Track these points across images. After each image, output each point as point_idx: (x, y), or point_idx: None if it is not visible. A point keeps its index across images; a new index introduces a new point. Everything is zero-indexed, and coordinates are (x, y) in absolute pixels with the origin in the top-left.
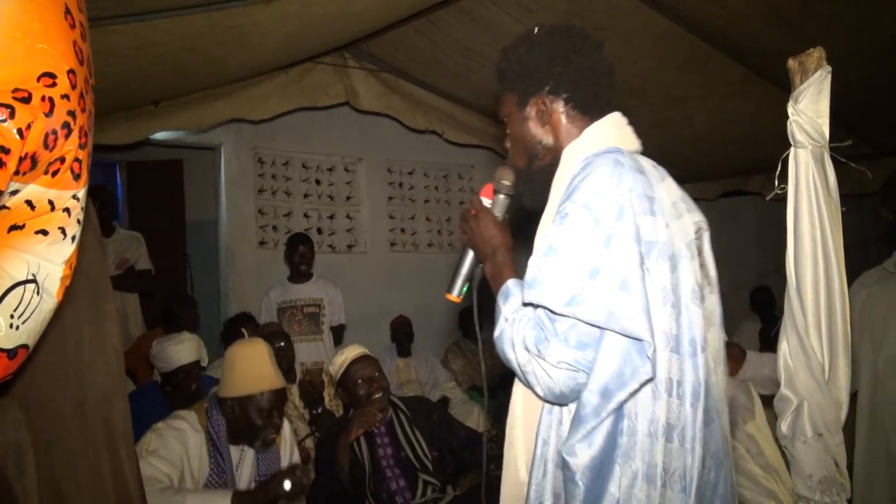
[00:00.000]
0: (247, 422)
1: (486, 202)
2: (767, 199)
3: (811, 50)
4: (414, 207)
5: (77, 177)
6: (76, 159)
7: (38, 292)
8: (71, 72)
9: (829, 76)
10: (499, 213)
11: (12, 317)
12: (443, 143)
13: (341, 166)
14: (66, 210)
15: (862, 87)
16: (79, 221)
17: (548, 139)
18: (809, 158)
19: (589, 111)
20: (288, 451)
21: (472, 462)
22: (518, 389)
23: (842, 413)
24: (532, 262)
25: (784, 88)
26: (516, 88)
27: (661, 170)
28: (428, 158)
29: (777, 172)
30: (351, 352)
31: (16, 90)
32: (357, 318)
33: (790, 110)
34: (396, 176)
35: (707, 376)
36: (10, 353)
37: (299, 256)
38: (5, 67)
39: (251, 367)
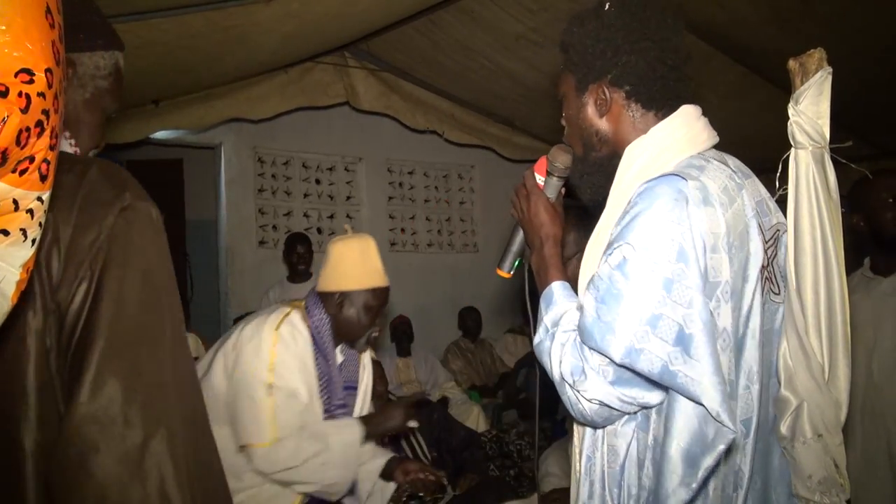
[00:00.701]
0: (354, 318)
1: (539, 179)
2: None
3: (812, 51)
4: (414, 207)
5: (44, 178)
6: (45, 160)
7: None
8: (48, 71)
9: (830, 77)
10: (551, 194)
11: None
12: (443, 143)
13: (341, 166)
14: (30, 211)
15: (862, 88)
16: (40, 224)
17: (606, 130)
18: (810, 159)
19: (654, 106)
20: (367, 362)
21: (472, 462)
22: None
23: (841, 414)
24: (587, 303)
25: (784, 89)
26: (576, 70)
27: (745, 169)
28: (428, 158)
29: (777, 174)
30: None
31: None
32: None
33: (791, 111)
34: (396, 176)
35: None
36: None
37: (297, 256)
38: None
39: (363, 262)
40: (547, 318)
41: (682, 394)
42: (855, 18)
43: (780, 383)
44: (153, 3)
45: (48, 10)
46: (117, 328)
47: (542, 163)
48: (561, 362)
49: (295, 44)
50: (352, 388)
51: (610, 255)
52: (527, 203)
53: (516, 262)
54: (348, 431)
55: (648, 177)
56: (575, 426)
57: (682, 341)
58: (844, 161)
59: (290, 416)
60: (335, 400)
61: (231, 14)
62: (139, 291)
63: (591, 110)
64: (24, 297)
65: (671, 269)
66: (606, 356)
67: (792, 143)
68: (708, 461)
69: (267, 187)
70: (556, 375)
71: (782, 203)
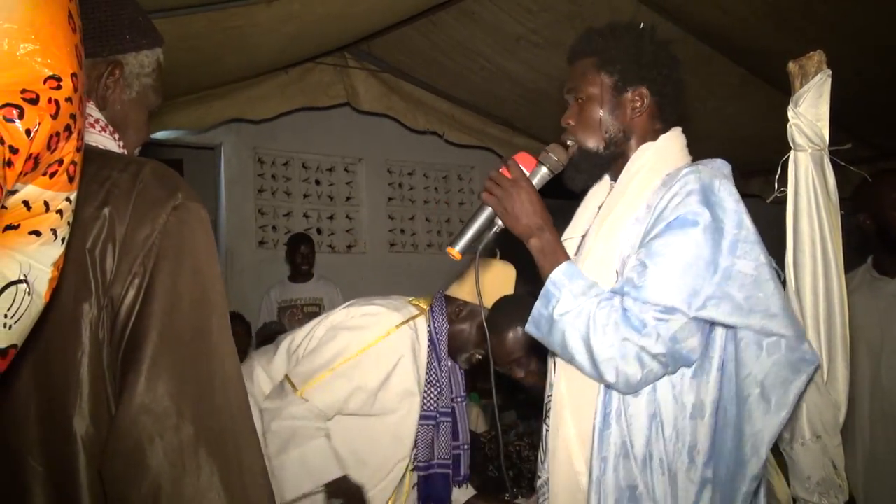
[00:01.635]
0: (466, 333)
1: (524, 172)
2: (768, 201)
3: (811, 53)
4: (414, 208)
5: (72, 179)
6: (73, 162)
7: (28, 293)
8: (74, 75)
9: (830, 79)
10: (537, 185)
11: (6, 316)
12: (443, 144)
13: (341, 166)
14: (59, 212)
15: (861, 90)
16: (69, 223)
17: (630, 130)
18: (809, 161)
19: (666, 120)
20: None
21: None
22: (562, 377)
23: (840, 415)
24: (658, 266)
25: (783, 91)
26: (619, 72)
27: None
28: (428, 159)
29: (777, 175)
30: None
31: (24, 91)
32: None
33: (790, 113)
34: (396, 176)
35: None
36: (3, 353)
37: (301, 256)
38: (15, 68)
39: (501, 287)
40: (572, 287)
41: (762, 332)
42: (854, 20)
43: None
44: (154, 3)
45: (70, 16)
46: (169, 323)
47: (526, 157)
48: (617, 325)
49: (295, 44)
50: (461, 398)
51: (677, 224)
52: (516, 189)
53: (469, 247)
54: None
55: (656, 174)
56: (570, 412)
57: (758, 286)
58: (844, 163)
59: (330, 393)
60: (441, 406)
61: (232, 15)
62: (190, 288)
63: (626, 110)
64: (81, 291)
65: (735, 233)
66: (678, 311)
67: (791, 144)
68: (798, 384)
69: (267, 188)
70: (599, 341)
71: (781, 205)
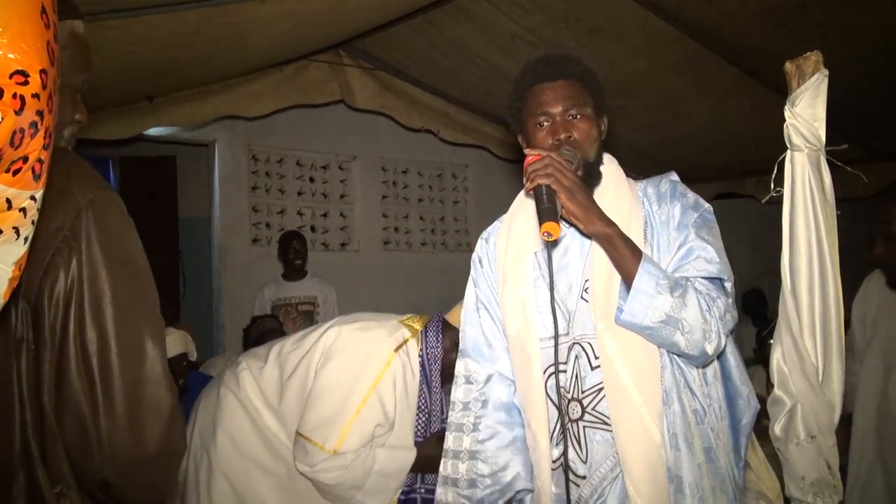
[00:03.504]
0: None
1: None
2: (763, 201)
3: (809, 53)
4: (408, 206)
5: (37, 177)
6: (38, 159)
7: None
8: (43, 72)
9: (826, 80)
10: None
11: None
12: (437, 142)
13: (335, 164)
14: (23, 210)
15: (856, 91)
16: (33, 223)
17: (601, 151)
18: (806, 162)
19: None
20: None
21: None
22: (616, 358)
23: (835, 415)
24: (717, 255)
25: (777, 91)
26: (596, 100)
27: None
28: (422, 157)
29: (773, 175)
30: None
31: None
32: None
33: (787, 113)
34: (391, 174)
35: None
36: None
37: (293, 252)
38: None
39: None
40: (666, 272)
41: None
42: (850, 20)
43: (773, 385)
44: None
45: (43, 10)
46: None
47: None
48: (712, 302)
49: (290, 41)
50: None
51: (699, 223)
52: (580, 182)
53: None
54: (396, 464)
55: (629, 185)
56: (636, 391)
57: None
58: (840, 164)
59: (360, 438)
60: (430, 430)
61: (226, 11)
62: (130, 284)
63: (602, 130)
64: None
65: None
66: (729, 291)
67: (788, 145)
68: None
69: (261, 185)
70: (709, 318)
71: (776, 205)
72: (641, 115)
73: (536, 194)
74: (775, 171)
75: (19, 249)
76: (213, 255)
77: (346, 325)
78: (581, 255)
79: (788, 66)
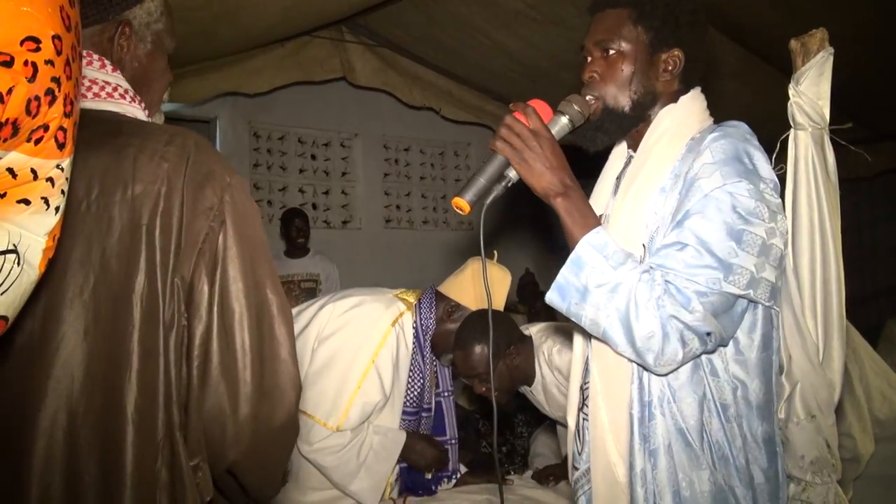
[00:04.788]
0: (453, 332)
1: None
2: None
3: (813, 31)
4: (410, 184)
5: (62, 146)
6: (61, 128)
7: (18, 263)
8: (56, 37)
9: (831, 58)
10: (556, 137)
11: None
12: (439, 120)
13: (337, 142)
14: (50, 180)
15: (861, 70)
16: (62, 192)
17: (658, 92)
18: (809, 140)
19: (691, 83)
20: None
21: (465, 439)
22: (595, 360)
23: (835, 395)
24: (696, 238)
25: (782, 70)
26: (655, 29)
27: None
28: (424, 135)
29: (775, 154)
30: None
31: None
32: None
33: (791, 92)
34: (392, 152)
35: None
36: None
37: (296, 230)
38: None
39: (494, 290)
40: (609, 255)
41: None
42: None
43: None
44: None
45: None
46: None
47: (541, 105)
48: (661, 300)
49: (292, 17)
50: (447, 393)
51: (716, 197)
52: (538, 141)
53: (479, 200)
54: (389, 450)
55: (679, 140)
56: (602, 398)
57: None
58: (844, 143)
59: (361, 414)
60: (424, 403)
61: None
62: (261, 263)
63: (658, 71)
64: (132, 267)
65: (776, 202)
66: (722, 288)
67: (791, 123)
68: None
69: (262, 162)
70: (650, 317)
71: (780, 183)
72: None
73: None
74: (777, 149)
75: (51, 220)
76: None
77: (341, 300)
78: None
79: (793, 43)
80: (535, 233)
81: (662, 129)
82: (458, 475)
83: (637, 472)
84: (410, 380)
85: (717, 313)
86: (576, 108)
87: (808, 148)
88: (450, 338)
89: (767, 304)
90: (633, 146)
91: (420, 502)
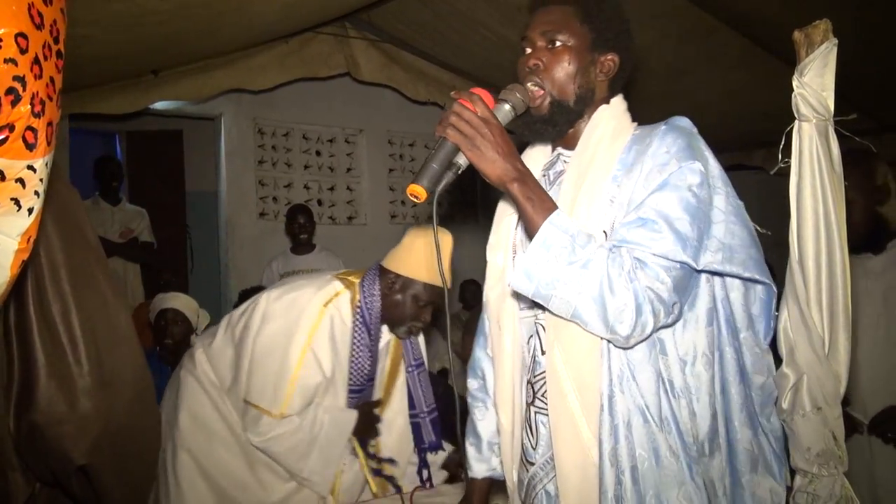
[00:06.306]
0: (400, 304)
1: None
2: (771, 172)
3: (817, 22)
4: None
5: (31, 146)
6: (29, 128)
7: None
8: (21, 35)
9: (836, 49)
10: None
11: None
12: None
13: (342, 138)
14: (20, 181)
15: (866, 61)
16: (36, 193)
17: (595, 92)
18: (814, 132)
19: (613, 91)
20: (422, 346)
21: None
22: (555, 347)
23: (841, 387)
24: (658, 217)
25: (787, 61)
26: (598, 31)
27: None
28: (429, 130)
29: (781, 146)
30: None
31: None
32: None
33: (795, 83)
34: (397, 148)
35: None
36: None
37: (299, 226)
38: None
39: (431, 255)
40: (575, 235)
41: (756, 280)
42: None
43: (780, 356)
44: None
45: None
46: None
47: (486, 94)
48: (632, 274)
49: (295, 13)
50: (413, 366)
51: (675, 179)
52: (489, 128)
53: (432, 186)
54: (340, 428)
55: (620, 135)
56: (571, 383)
57: (742, 237)
58: (849, 134)
59: (303, 398)
60: (368, 377)
61: None
62: (86, 252)
63: (597, 70)
64: None
65: (725, 188)
66: (685, 262)
67: (796, 115)
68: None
69: (267, 159)
70: (623, 290)
71: (784, 176)
72: (648, 87)
73: (434, 147)
74: (783, 142)
75: (24, 221)
76: (220, 229)
77: (275, 289)
78: None
79: (797, 34)
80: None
81: (605, 126)
82: (443, 451)
83: (606, 450)
84: (354, 358)
85: (678, 285)
86: (518, 95)
87: (813, 139)
88: (397, 309)
89: (710, 279)
90: (565, 144)
91: (427, 496)
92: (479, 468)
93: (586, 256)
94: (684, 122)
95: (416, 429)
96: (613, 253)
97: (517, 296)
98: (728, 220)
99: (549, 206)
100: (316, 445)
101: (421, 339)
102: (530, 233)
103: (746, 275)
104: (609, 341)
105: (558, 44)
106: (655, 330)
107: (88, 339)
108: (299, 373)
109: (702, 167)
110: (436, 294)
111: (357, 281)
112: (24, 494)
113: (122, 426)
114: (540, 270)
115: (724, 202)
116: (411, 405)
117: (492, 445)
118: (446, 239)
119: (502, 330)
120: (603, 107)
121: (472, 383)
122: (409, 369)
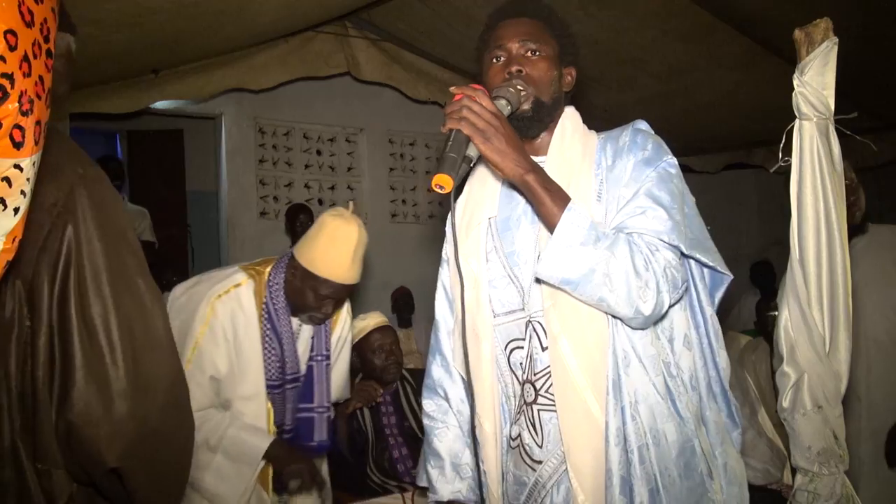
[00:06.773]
0: (300, 292)
1: None
2: (772, 171)
3: (818, 21)
4: (415, 178)
5: (19, 145)
6: (17, 126)
7: None
8: (10, 32)
9: (836, 47)
10: None
11: None
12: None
13: (342, 137)
14: (6, 179)
15: (866, 59)
16: (23, 193)
17: (561, 100)
18: (814, 131)
19: (569, 104)
20: (341, 333)
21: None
22: (561, 338)
23: (841, 385)
24: (668, 215)
25: (788, 60)
26: (563, 45)
27: None
28: (429, 129)
29: (781, 145)
30: (373, 319)
31: None
32: (358, 289)
33: (795, 82)
34: (398, 147)
35: None
36: None
37: (300, 225)
38: None
39: (331, 248)
40: (597, 225)
41: (705, 264)
42: None
43: (780, 354)
44: None
45: None
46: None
47: (485, 90)
48: (652, 254)
49: (296, 12)
50: (321, 357)
51: (659, 173)
52: (501, 123)
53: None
54: (242, 452)
55: (587, 136)
56: (581, 373)
57: (701, 225)
58: (849, 133)
59: (200, 396)
60: (287, 374)
61: None
62: (126, 255)
63: (564, 81)
64: None
65: (683, 182)
66: (678, 247)
67: (796, 114)
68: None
69: (268, 158)
70: (643, 272)
71: (784, 175)
72: (650, 86)
73: (446, 139)
74: (783, 141)
75: (9, 221)
76: (220, 229)
77: (181, 285)
78: (534, 223)
79: (797, 33)
80: None
81: (572, 129)
82: (329, 447)
83: (613, 430)
84: (265, 349)
85: (679, 265)
86: (512, 92)
87: (814, 138)
88: (298, 297)
89: (685, 262)
90: (533, 152)
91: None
92: (444, 489)
93: (609, 241)
94: (646, 125)
95: (306, 423)
96: (630, 237)
97: (498, 303)
98: (691, 213)
99: (566, 196)
100: (216, 455)
101: (335, 336)
102: (551, 222)
103: (711, 263)
104: (625, 323)
105: (538, 52)
106: (669, 307)
107: (126, 343)
108: (190, 371)
109: (676, 163)
110: (333, 287)
111: (268, 269)
112: (66, 494)
113: (156, 430)
114: (570, 257)
115: (687, 196)
116: (309, 397)
117: (456, 466)
118: (352, 234)
119: (480, 338)
120: (567, 113)
121: (429, 405)
122: (319, 358)
